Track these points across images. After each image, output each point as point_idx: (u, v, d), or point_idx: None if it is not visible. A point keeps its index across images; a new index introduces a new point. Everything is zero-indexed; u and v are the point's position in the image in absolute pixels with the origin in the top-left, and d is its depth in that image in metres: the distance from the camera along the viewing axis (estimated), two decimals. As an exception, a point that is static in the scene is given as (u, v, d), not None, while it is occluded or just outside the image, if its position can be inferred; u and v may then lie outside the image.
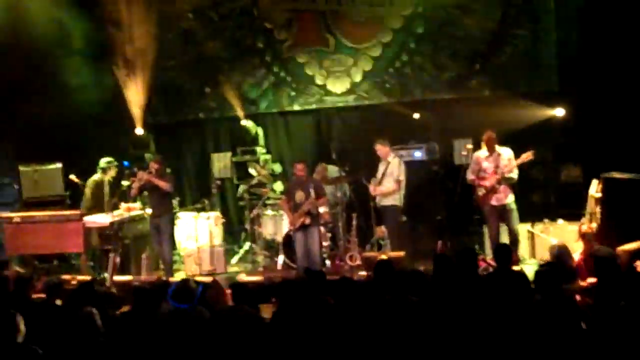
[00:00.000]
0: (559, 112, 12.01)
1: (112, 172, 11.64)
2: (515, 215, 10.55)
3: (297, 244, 10.70)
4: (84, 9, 12.25)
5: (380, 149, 11.07)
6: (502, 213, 10.58)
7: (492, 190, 10.52)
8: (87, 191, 11.56)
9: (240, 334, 6.27)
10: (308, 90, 13.40)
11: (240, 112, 13.24)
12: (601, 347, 5.53)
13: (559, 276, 6.63)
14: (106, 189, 11.48)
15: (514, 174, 10.48)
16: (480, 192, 10.66)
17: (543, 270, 6.75)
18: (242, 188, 12.72)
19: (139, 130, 12.94)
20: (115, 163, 11.69)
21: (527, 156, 10.29)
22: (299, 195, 10.51)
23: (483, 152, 10.74)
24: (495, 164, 10.57)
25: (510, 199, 10.53)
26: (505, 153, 10.59)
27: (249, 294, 7.06)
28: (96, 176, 11.57)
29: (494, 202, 10.57)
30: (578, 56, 11.92)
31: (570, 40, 12.08)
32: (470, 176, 10.81)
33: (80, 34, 12.31)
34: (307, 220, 10.44)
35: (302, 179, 10.59)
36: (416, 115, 12.80)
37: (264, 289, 8.01)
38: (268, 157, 13.00)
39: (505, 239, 10.54)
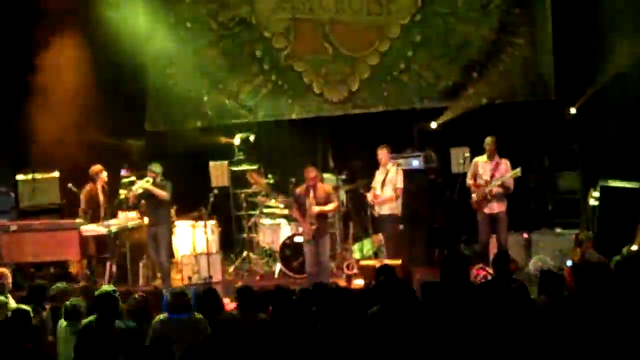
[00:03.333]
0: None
1: (102, 179, 11.59)
2: (504, 225, 10.60)
3: (307, 252, 10.67)
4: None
5: (384, 154, 11.08)
6: (494, 222, 10.63)
7: (484, 197, 10.57)
8: (82, 200, 11.53)
9: (243, 341, 6.24)
10: (306, 99, 13.39)
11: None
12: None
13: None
14: (100, 197, 11.45)
15: (511, 185, 10.54)
16: (475, 197, 10.72)
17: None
18: (241, 196, 12.72)
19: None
20: (102, 169, 11.64)
21: (515, 173, 10.39)
22: (310, 202, 10.50)
23: (482, 157, 10.80)
24: (492, 173, 10.61)
25: (502, 209, 10.58)
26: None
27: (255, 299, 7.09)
28: (88, 186, 11.53)
29: (486, 209, 10.63)
30: (575, 64, 11.92)
31: (566, 48, 12.07)
32: (469, 180, 10.88)
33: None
34: (316, 226, 10.43)
35: (312, 186, 10.59)
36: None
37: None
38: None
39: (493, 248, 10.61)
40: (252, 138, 13.21)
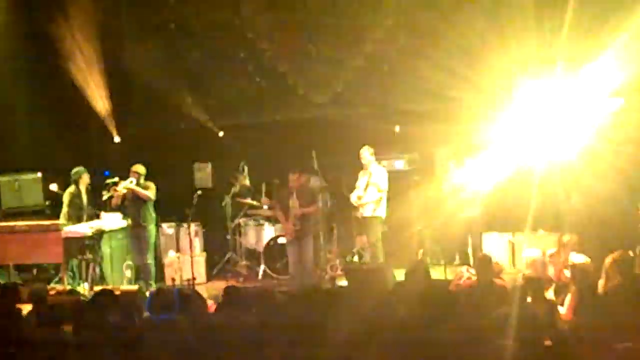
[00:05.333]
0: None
1: (85, 180, 11.54)
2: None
3: (289, 253, 10.72)
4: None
5: (366, 156, 11.13)
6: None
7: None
8: (65, 202, 11.47)
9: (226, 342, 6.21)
10: (289, 100, 13.37)
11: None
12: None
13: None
14: (83, 198, 11.40)
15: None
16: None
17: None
18: (224, 198, 12.70)
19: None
20: (84, 170, 11.59)
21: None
22: (292, 204, 10.55)
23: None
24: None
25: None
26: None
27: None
28: (71, 188, 11.48)
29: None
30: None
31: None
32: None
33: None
34: (299, 227, 10.49)
35: (295, 188, 10.63)
36: (397, 128, 12.85)
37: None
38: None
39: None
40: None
